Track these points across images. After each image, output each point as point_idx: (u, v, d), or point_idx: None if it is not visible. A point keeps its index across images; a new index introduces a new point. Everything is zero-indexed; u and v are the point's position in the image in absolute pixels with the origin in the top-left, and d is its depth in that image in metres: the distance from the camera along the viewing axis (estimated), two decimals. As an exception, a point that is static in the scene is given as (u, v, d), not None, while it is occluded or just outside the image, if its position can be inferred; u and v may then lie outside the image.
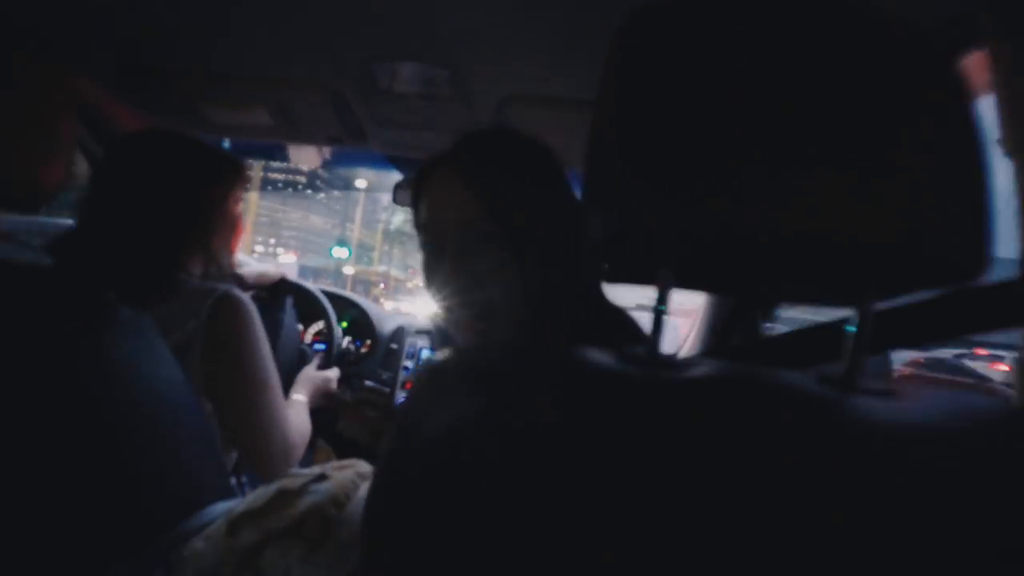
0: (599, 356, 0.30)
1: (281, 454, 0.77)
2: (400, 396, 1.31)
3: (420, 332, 1.41)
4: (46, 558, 0.45)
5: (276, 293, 1.32)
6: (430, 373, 0.31)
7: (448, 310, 0.58)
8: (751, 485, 0.24)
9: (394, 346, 1.38)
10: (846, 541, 0.23)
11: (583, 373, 0.29)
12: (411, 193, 0.63)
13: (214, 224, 0.78)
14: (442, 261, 0.57)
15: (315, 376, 1.07)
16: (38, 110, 0.49)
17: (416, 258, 0.66)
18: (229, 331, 0.72)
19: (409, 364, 1.35)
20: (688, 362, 0.30)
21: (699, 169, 0.27)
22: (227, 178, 0.79)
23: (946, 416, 0.26)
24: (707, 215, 0.26)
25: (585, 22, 0.64)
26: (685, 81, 0.27)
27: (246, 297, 0.74)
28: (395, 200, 1.26)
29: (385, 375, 1.35)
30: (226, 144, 1.21)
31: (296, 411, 0.89)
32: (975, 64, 0.47)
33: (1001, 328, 0.39)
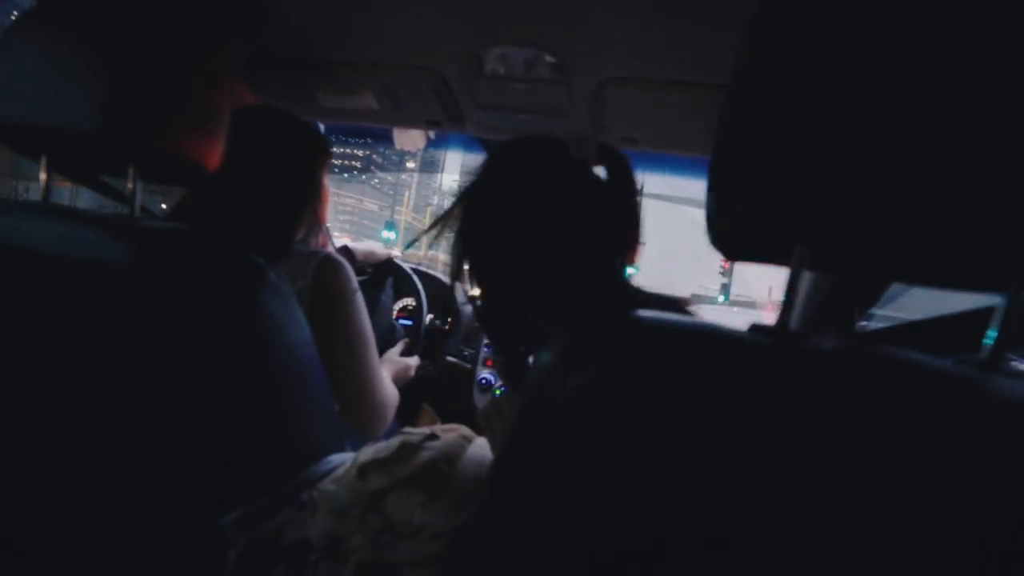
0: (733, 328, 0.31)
1: (380, 409, 0.84)
2: (481, 372, 1.36)
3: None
4: (196, 492, 0.52)
5: (380, 273, 1.40)
6: (566, 337, 0.33)
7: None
8: (890, 460, 0.24)
9: (476, 324, 1.43)
10: (994, 521, 0.22)
11: (721, 339, 0.30)
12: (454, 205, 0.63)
13: (314, 195, 0.86)
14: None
15: (398, 361, 1.15)
16: (210, 95, 0.55)
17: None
18: (334, 290, 0.78)
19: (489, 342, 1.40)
20: (816, 340, 0.31)
21: (846, 150, 0.26)
22: (322, 154, 0.88)
23: None
24: (855, 194, 0.26)
25: (682, 4, 0.63)
26: (830, 63, 0.27)
27: (344, 260, 0.81)
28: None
29: (467, 351, 1.41)
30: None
31: (387, 378, 0.97)
32: None
33: None
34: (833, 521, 0.24)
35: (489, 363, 1.38)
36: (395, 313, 1.51)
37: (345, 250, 1.27)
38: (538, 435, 0.32)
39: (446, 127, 1.05)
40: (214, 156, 0.55)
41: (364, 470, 0.51)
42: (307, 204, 0.84)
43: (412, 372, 1.16)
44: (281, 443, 0.58)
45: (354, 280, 0.82)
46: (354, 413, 0.82)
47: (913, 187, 0.26)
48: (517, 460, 0.34)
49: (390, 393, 0.88)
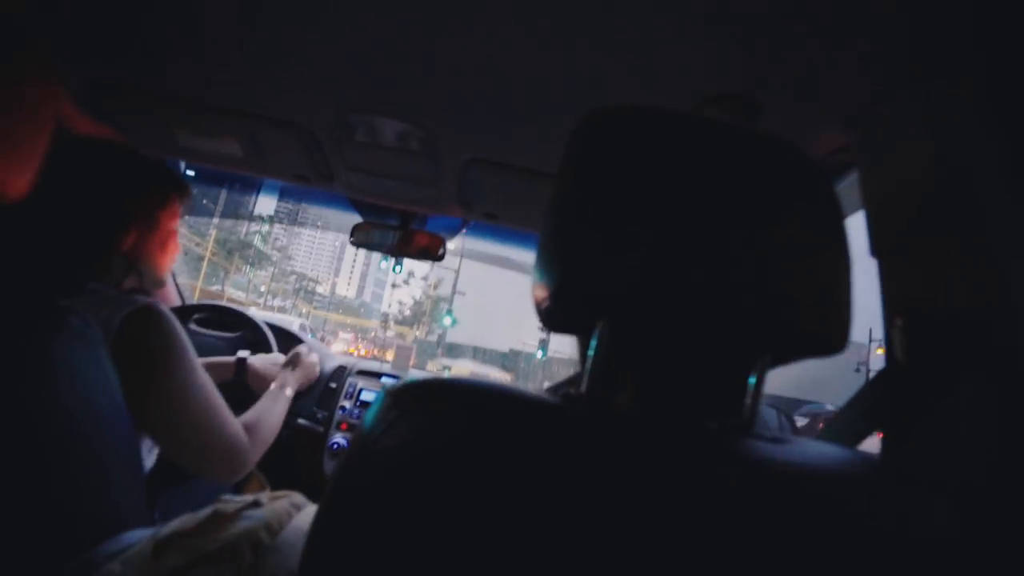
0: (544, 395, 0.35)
1: (228, 455, 0.75)
2: (334, 436, 1.28)
3: (362, 372, 1.40)
4: None
5: (231, 323, 1.29)
6: (390, 396, 0.34)
7: None
8: (658, 509, 0.29)
9: (333, 385, 1.36)
10: (740, 558, 0.28)
11: (530, 405, 0.33)
12: None
13: (135, 233, 0.76)
14: None
15: (307, 364, 1.15)
16: (15, 118, 0.50)
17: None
18: (147, 343, 0.68)
19: (347, 404, 1.33)
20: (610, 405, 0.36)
21: (633, 238, 0.33)
22: (158, 190, 0.79)
23: (820, 458, 0.33)
24: (643, 274, 0.33)
25: (546, 104, 0.73)
26: (624, 170, 0.35)
27: (166, 309, 0.71)
28: (352, 240, 1.29)
29: (320, 414, 1.32)
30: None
31: (275, 410, 0.95)
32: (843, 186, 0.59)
33: None
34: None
35: (344, 426, 1.30)
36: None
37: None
38: (347, 497, 0.32)
39: (314, 184, 1.05)
40: (18, 184, 0.50)
41: (161, 546, 0.45)
42: (114, 239, 0.74)
43: (317, 369, 1.18)
44: (61, 518, 0.49)
45: (173, 331, 0.71)
46: (200, 466, 0.74)
47: (682, 272, 0.33)
48: (327, 524, 0.33)
49: (237, 435, 0.78)
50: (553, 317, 0.38)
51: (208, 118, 0.90)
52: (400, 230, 1.23)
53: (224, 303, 1.42)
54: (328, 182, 1.02)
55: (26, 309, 0.48)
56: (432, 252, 1.22)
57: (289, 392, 1.04)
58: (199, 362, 0.73)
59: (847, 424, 0.54)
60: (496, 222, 1.03)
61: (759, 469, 0.31)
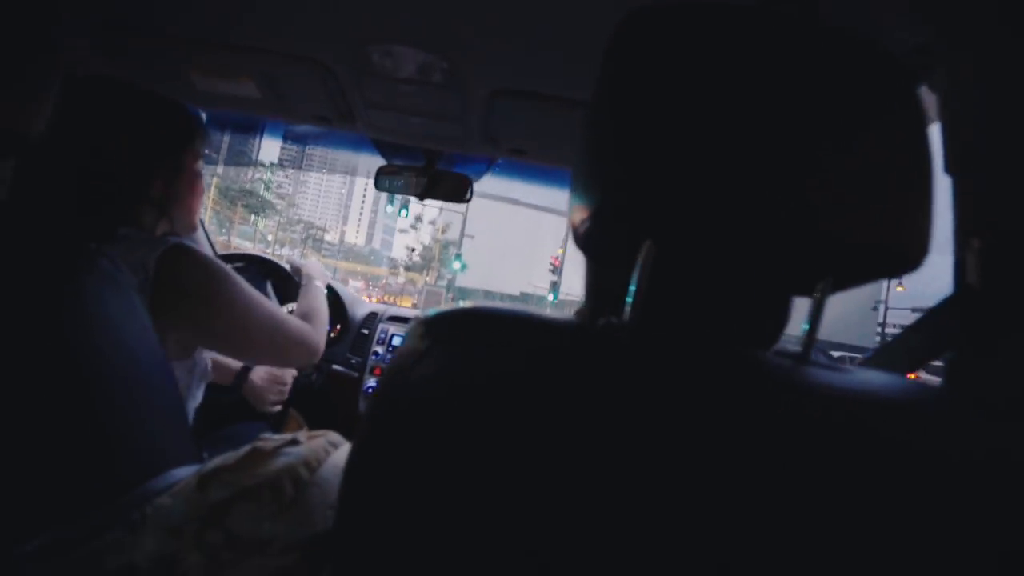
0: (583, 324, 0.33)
1: (301, 343, 0.82)
2: (369, 381, 1.30)
3: (393, 318, 1.41)
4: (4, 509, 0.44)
5: (253, 275, 1.30)
6: (422, 325, 0.32)
7: None
8: (713, 444, 0.27)
9: (365, 331, 1.38)
10: (795, 487, 0.26)
11: (569, 335, 0.31)
12: None
13: (164, 175, 0.76)
14: None
15: (315, 264, 1.16)
16: (21, 58, 0.48)
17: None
18: (185, 281, 0.70)
19: (379, 350, 1.35)
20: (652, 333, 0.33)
21: (683, 147, 0.29)
22: (181, 130, 0.77)
23: (884, 386, 0.30)
24: (693, 190, 0.29)
25: (577, 24, 0.67)
26: (673, 71, 0.30)
27: (194, 245, 0.73)
28: (376, 186, 1.26)
29: (354, 360, 1.35)
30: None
31: (314, 296, 0.98)
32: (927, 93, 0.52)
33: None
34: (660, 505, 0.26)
35: (377, 371, 1.33)
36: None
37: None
38: (382, 426, 0.31)
39: (336, 125, 1.01)
40: (36, 123, 0.48)
41: (205, 480, 0.46)
42: (148, 183, 0.74)
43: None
44: (112, 453, 0.50)
45: (210, 263, 0.73)
46: (282, 360, 0.85)
47: (737, 197, 0.29)
48: (363, 455, 0.32)
49: (300, 325, 0.85)
50: (592, 240, 0.35)
51: (221, 57, 0.87)
52: (426, 172, 1.19)
53: (256, 253, 1.43)
54: (350, 122, 0.99)
55: (56, 252, 0.47)
56: (459, 193, 1.18)
57: (318, 283, 1.06)
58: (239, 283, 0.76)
59: (898, 354, 0.50)
60: (524, 158, 0.98)
61: (820, 395, 0.29)
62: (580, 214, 0.33)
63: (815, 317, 0.33)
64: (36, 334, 0.44)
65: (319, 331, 0.88)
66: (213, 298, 0.72)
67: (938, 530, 0.25)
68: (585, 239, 0.35)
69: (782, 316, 0.38)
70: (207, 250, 1.46)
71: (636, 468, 0.27)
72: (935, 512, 0.26)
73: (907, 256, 0.31)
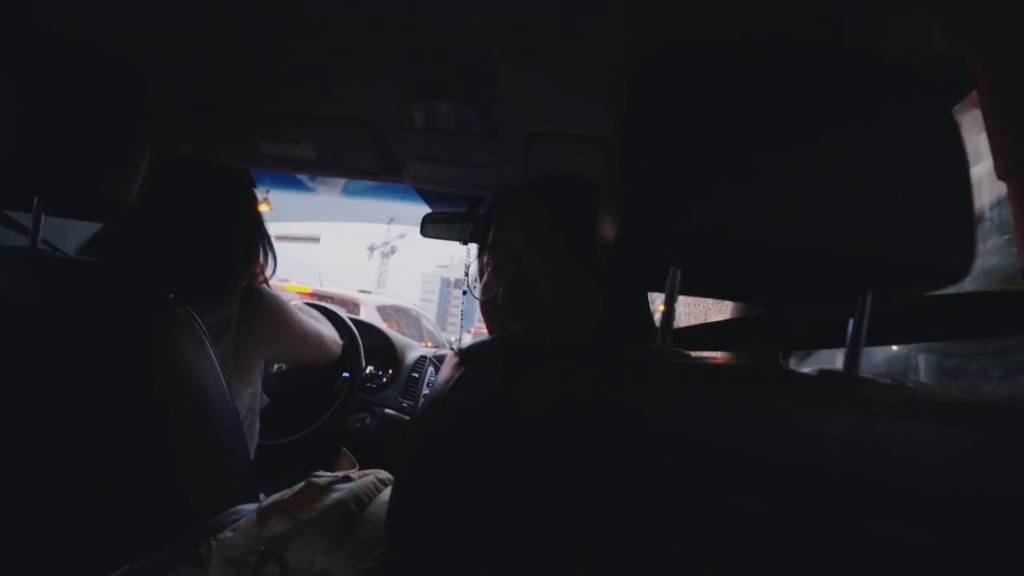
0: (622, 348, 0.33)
1: (329, 346, 1.08)
2: (420, 423, 1.32)
3: (442, 359, 1.43)
4: (79, 545, 0.48)
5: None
6: (457, 354, 0.34)
7: (501, 323, 0.63)
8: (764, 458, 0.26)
9: (416, 375, 1.41)
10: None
11: (600, 359, 0.31)
12: (484, 217, 0.70)
13: (241, 238, 0.87)
14: (503, 277, 0.62)
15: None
16: (118, 135, 0.55)
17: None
18: (264, 311, 0.86)
19: (429, 391, 1.37)
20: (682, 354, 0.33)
21: (708, 169, 0.30)
22: (251, 197, 0.90)
23: (935, 399, 0.28)
24: (717, 215, 0.30)
25: (603, 63, 0.70)
26: (697, 104, 0.31)
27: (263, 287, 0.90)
28: (422, 232, 1.32)
29: (406, 403, 1.37)
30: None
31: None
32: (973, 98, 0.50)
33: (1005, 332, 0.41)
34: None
35: (428, 414, 1.34)
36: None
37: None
38: (420, 456, 0.32)
39: (383, 178, 1.08)
40: (129, 194, 0.55)
41: (264, 514, 0.48)
42: (254, 249, 0.88)
43: None
44: (184, 490, 0.54)
45: (279, 298, 0.90)
46: (322, 360, 1.09)
47: (769, 217, 0.29)
48: (403, 485, 0.33)
49: (331, 335, 1.10)
50: (619, 266, 0.36)
51: (281, 124, 0.96)
52: (469, 217, 1.24)
53: (320, 304, 1.50)
54: (396, 174, 1.05)
55: (136, 301, 0.52)
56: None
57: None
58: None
59: None
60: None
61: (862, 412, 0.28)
62: (607, 234, 0.34)
63: (857, 334, 0.32)
64: (119, 378, 0.49)
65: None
66: (283, 323, 0.90)
67: None
68: (612, 263, 0.36)
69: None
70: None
71: (673, 495, 0.26)
72: None
73: (953, 267, 0.30)
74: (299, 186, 1.42)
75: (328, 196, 1.56)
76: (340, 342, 1.13)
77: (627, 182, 0.32)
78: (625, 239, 0.32)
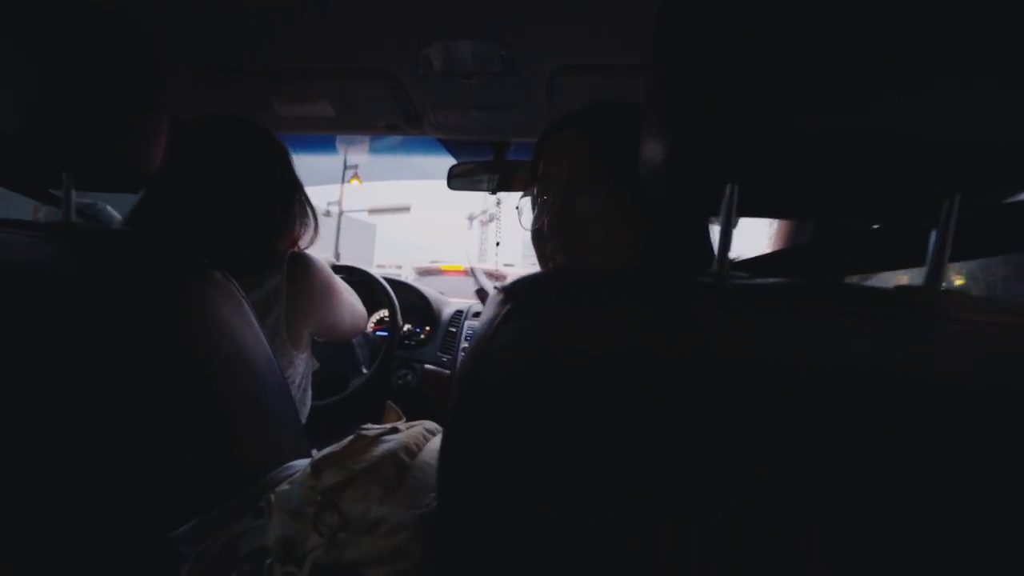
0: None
1: (363, 322, 1.08)
2: (461, 376, 1.34)
3: (478, 315, 1.43)
4: (143, 505, 0.50)
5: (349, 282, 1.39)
6: (501, 292, 0.32)
7: (549, 254, 0.63)
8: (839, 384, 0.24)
9: (453, 329, 1.42)
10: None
11: (656, 290, 0.29)
12: (534, 154, 0.69)
13: (280, 199, 0.84)
14: (548, 207, 0.63)
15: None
16: (135, 102, 0.54)
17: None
18: (311, 279, 0.85)
19: (468, 345, 1.38)
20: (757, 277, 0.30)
21: (765, 76, 0.26)
22: (284, 156, 0.86)
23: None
24: (784, 112, 0.26)
25: None
26: (742, 24, 0.27)
27: (310, 255, 0.88)
28: (449, 185, 1.29)
29: (445, 358, 1.39)
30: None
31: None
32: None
33: None
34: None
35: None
36: (371, 326, 1.49)
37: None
38: (468, 400, 0.30)
39: (405, 131, 1.05)
40: (153, 161, 0.54)
41: (318, 467, 0.49)
42: (292, 212, 0.85)
43: None
44: (236, 449, 0.55)
45: (326, 267, 0.88)
46: (355, 332, 1.07)
47: (832, 113, 0.26)
48: (454, 432, 0.32)
49: (363, 309, 1.09)
50: (669, 188, 0.33)
51: (299, 83, 0.93)
52: (496, 165, 1.19)
53: (354, 266, 1.51)
54: (418, 126, 1.02)
55: (171, 267, 0.52)
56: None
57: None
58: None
59: None
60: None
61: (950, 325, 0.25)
62: (653, 165, 0.31)
63: (942, 245, 0.28)
64: (158, 344, 0.49)
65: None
66: (328, 294, 0.88)
67: None
68: (660, 188, 0.33)
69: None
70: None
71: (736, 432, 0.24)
72: None
73: None
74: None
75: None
76: (366, 316, 1.14)
77: (675, 98, 0.29)
78: (676, 158, 0.29)
